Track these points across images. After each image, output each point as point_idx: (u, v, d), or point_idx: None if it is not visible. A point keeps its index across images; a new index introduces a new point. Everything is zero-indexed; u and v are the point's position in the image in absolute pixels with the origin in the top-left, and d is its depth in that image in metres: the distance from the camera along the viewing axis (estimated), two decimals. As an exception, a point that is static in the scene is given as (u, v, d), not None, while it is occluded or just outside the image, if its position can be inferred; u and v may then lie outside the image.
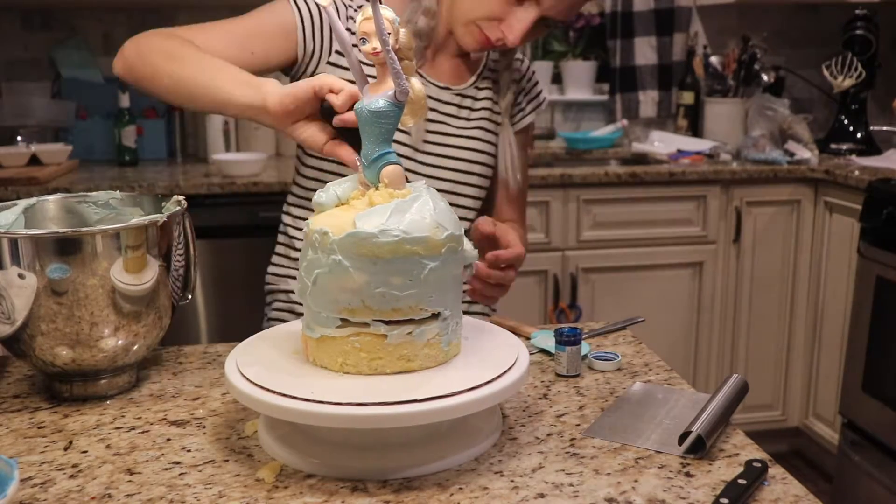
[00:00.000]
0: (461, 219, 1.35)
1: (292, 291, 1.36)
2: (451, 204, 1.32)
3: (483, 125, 1.37)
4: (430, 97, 1.31)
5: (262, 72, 1.22)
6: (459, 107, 1.35)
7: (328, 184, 0.86)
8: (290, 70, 1.31)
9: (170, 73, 1.13)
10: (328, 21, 1.22)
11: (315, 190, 0.88)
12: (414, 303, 0.78)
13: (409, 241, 0.76)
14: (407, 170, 1.28)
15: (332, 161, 1.27)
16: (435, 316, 0.80)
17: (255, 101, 1.01)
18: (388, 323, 0.78)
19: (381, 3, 0.80)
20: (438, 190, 1.30)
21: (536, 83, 1.46)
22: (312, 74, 1.28)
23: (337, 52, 1.28)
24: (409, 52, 0.85)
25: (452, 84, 1.35)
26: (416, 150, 1.31)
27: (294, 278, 1.36)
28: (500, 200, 1.43)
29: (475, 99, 1.37)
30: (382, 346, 0.78)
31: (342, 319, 0.78)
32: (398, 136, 1.27)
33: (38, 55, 2.92)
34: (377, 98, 0.83)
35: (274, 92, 0.99)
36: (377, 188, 0.83)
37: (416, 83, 0.85)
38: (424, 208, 0.79)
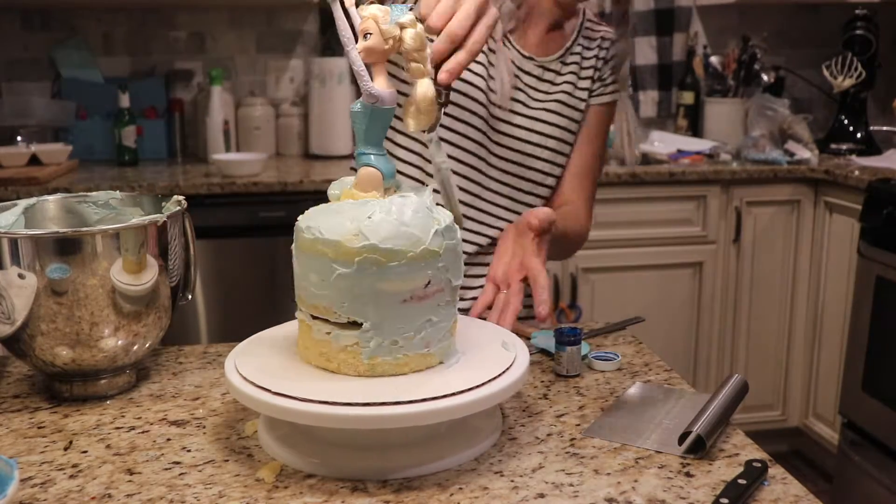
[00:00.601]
0: (528, 193, 1.32)
1: None
2: (519, 177, 1.30)
3: (562, 99, 1.33)
4: (513, 64, 1.28)
5: None
6: (540, 79, 1.32)
7: (341, 178, 0.87)
8: None
9: None
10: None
11: None
12: (327, 304, 0.78)
13: (322, 241, 0.77)
14: (477, 141, 1.26)
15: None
16: (354, 324, 0.78)
17: None
18: (313, 317, 0.80)
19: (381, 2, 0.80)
20: (507, 160, 1.29)
21: (621, 66, 1.41)
22: None
23: None
24: (419, 55, 0.83)
25: (537, 55, 1.32)
26: (492, 116, 1.28)
27: None
28: (566, 174, 1.36)
29: (558, 73, 1.33)
30: (309, 336, 0.81)
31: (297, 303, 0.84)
32: (475, 105, 1.25)
33: (38, 55, 2.92)
34: (358, 100, 0.83)
35: None
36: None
37: (421, 87, 0.83)
38: (370, 214, 0.77)
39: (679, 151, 2.89)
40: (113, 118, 2.81)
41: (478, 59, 1.21)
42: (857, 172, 2.55)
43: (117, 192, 1.08)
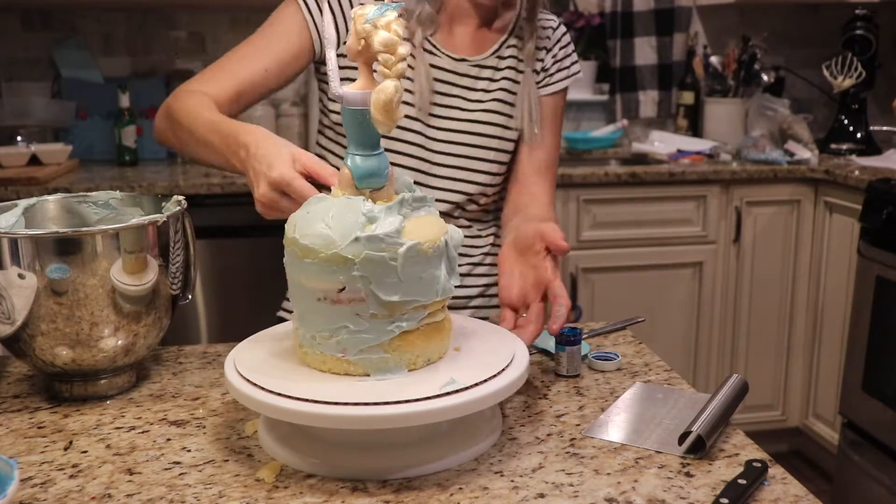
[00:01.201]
0: (472, 195, 1.32)
1: None
2: (465, 181, 1.30)
3: (502, 97, 1.32)
4: (444, 69, 1.28)
5: (286, 78, 1.27)
6: (477, 78, 1.31)
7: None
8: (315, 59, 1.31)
9: (190, 154, 1.20)
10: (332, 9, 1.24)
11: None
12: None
13: (290, 241, 0.81)
14: (416, 144, 1.27)
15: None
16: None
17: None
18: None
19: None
20: (449, 166, 1.29)
21: (572, 52, 1.39)
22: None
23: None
24: (382, 56, 0.80)
25: (470, 55, 1.30)
26: (426, 124, 1.28)
27: None
28: (526, 169, 1.35)
29: (496, 69, 1.32)
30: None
31: None
32: (408, 109, 1.25)
33: (38, 55, 2.92)
34: None
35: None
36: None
37: (376, 91, 0.79)
38: (309, 210, 0.81)
39: (679, 151, 2.89)
40: (113, 118, 2.81)
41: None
42: (857, 172, 2.55)
43: (117, 192, 1.08)
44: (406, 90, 1.25)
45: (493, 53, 1.32)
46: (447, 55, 1.29)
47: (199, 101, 1.18)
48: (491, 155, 1.32)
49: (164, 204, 1.03)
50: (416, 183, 1.25)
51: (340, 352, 0.79)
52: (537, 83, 1.35)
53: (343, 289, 0.77)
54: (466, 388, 0.76)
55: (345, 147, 1.28)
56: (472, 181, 1.31)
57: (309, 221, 0.79)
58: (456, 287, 0.84)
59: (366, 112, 0.80)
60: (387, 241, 0.76)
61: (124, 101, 2.77)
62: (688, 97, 3.18)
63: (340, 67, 1.28)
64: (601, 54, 3.25)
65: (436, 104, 1.28)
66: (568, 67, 1.39)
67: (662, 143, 3.04)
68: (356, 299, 0.77)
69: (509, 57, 1.33)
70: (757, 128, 2.87)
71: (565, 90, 1.39)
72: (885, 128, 3.06)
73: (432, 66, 1.27)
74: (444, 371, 0.81)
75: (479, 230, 1.37)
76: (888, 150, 2.91)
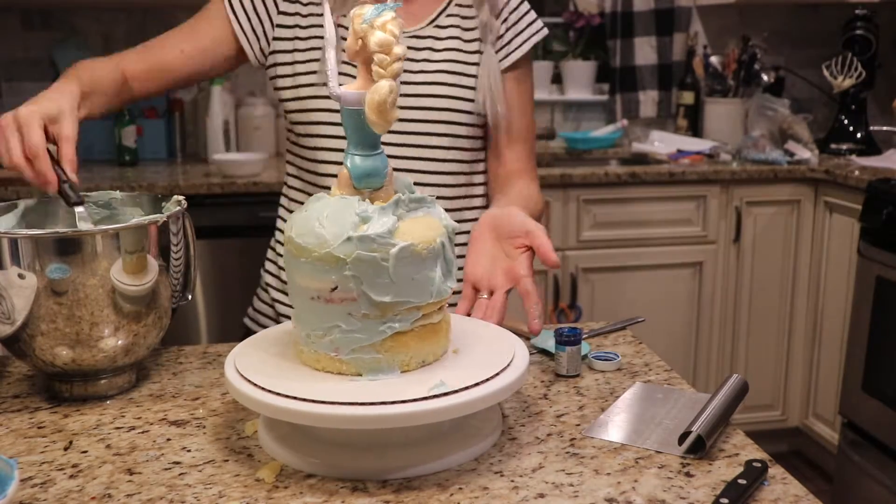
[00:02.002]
0: (443, 173, 1.28)
1: None
2: (426, 158, 1.26)
3: (448, 67, 1.28)
4: None
5: (209, 63, 1.31)
6: (417, 49, 1.27)
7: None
8: (265, 61, 1.33)
9: None
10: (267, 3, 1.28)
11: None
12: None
13: (287, 239, 0.81)
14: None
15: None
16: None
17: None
18: None
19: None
20: (405, 145, 1.25)
21: (526, 13, 1.34)
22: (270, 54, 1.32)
23: (278, 25, 1.30)
24: (378, 57, 0.79)
25: (406, 27, 1.26)
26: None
27: None
28: (502, 144, 1.33)
29: (436, 38, 1.29)
30: None
31: None
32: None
33: (38, 55, 2.92)
34: None
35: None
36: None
37: (378, 88, 0.79)
38: (307, 209, 0.82)
39: (679, 151, 2.89)
40: (113, 118, 2.81)
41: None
42: (857, 172, 2.55)
43: (117, 192, 1.08)
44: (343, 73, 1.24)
45: (431, 23, 1.29)
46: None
47: (100, 63, 1.25)
48: (441, 128, 1.28)
49: (164, 204, 1.03)
50: None
51: (333, 351, 0.79)
52: (497, 51, 1.31)
53: (335, 288, 0.77)
54: (466, 389, 0.76)
55: (305, 148, 1.30)
56: (427, 157, 1.28)
57: (305, 220, 0.79)
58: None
59: (362, 112, 0.80)
60: (378, 242, 0.76)
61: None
62: (688, 97, 3.18)
63: (344, 62, 1.28)
64: (601, 54, 3.26)
65: None
66: (524, 30, 1.34)
67: (662, 143, 3.04)
68: (348, 299, 0.77)
69: (450, 26, 1.30)
70: (757, 128, 2.87)
71: (529, 53, 1.35)
72: (885, 128, 3.06)
73: None
74: (445, 371, 0.81)
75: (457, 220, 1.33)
76: (888, 150, 2.91)
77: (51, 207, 1.05)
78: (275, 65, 1.32)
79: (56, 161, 0.99)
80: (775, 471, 0.79)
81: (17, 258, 0.87)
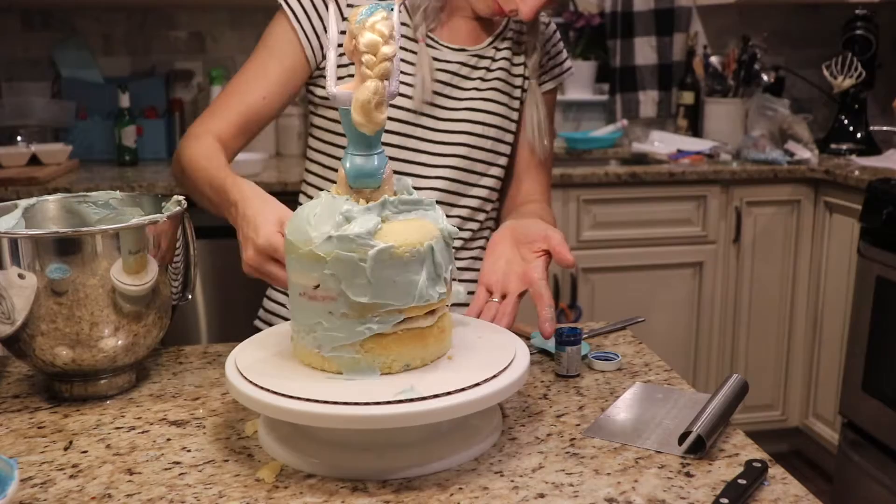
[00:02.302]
0: (473, 185, 1.31)
1: None
2: (463, 169, 1.29)
3: (497, 86, 1.33)
4: (443, 60, 1.28)
5: (289, 95, 1.29)
6: (474, 68, 1.31)
7: None
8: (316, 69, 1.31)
9: (199, 203, 1.21)
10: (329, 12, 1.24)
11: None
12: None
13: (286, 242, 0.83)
14: (415, 137, 1.27)
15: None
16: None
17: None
18: None
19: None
20: (450, 155, 1.28)
21: (562, 50, 1.42)
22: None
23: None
24: (366, 57, 0.80)
25: (468, 45, 1.31)
26: (420, 113, 1.27)
27: None
28: (523, 166, 1.38)
29: (493, 59, 1.33)
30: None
31: None
32: (400, 100, 1.25)
33: (38, 55, 2.92)
34: None
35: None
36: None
37: (362, 88, 0.79)
38: (307, 208, 0.82)
39: (679, 151, 2.89)
40: (113, 118, 2.81)
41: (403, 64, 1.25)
42: (857, 172, 2.55)
43: (117, 192, 1.08)
44: (406, 83, 1.26)
45: (490, 44, 1.33)
46: (446, 47, 1.30)
47: (201, 148, 1.19)
48: (488, 144, 1.32)
49: (164, 204, 1.03)
50: (414, 175, 1.27)
51: (316, 347, 0.80)
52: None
53: (317, 286, 0.78)
54: (466, 389, 0.76)
55: (338, 147, 1.30)
56: (472, 170, 1.31)
57: (298, 217, 0.82)
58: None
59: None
60: (357, 242, 0.76)
61: (124, 100, 2.77)
62: (688, 97, 3.18)
63: (342, 66, 1.29)
64: (601, 54, 3.25)
65: (437, 93, 1.28)
66: (560, 64, 1.41)
67: (662, 143, 3.04)
68: (328, 297, 0.78)
69: (505, 49, 1.34)
70: (757, 128, 2.87)
71: (556, 90, 1.42)
72: (885, 128, 3.06)
73: (434, 58, 1.28)
74: (445, 371, 0.81)
75: (473, 231, 1.36)
76: (888, 150, 2.91)
77: (51, 207, 1.05)
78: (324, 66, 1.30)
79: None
80: (775, 471, 0.79)
81: (17, 258, 0.87)
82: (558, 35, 1.41)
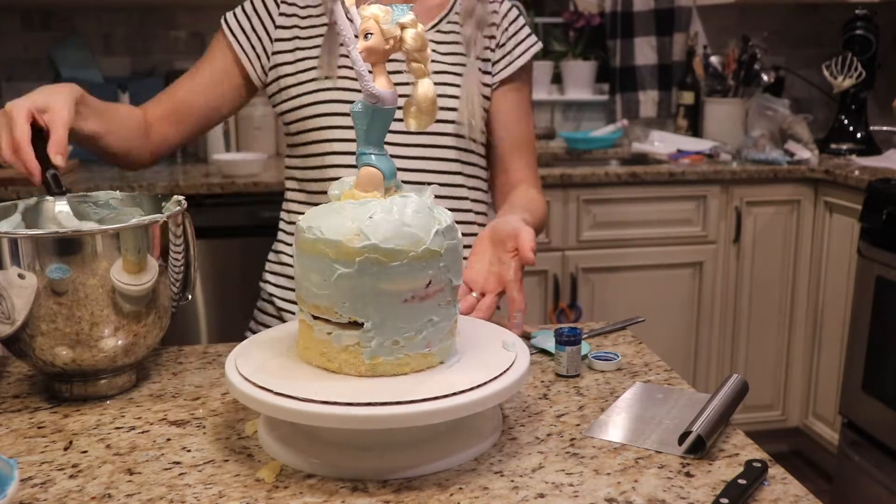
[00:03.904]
0: (443, 172, 1.30)
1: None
2: (427, 157, 1.28)
3: (451, 70, 1.31)
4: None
5: (225, 97, 1.38)
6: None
7: (342, 178, 0.87)
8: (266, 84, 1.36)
9: None
10: (261, 20, 1.33)
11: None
12: (328, 304, 0.78)
13: (323, 242, 0.77)
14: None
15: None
16: (354, 324, 0.78)
17: None
18: (314, 317, 0.80)
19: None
20: (411, 145, 1.27)
21: (523, 26, 1.39)
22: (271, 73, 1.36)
23: (277, 39, 1.34)
24: (420, 55, 0.82)
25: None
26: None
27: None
28: (505, 154, 1.37)
29: (438, 43, 1.31)
30: (310, 336, 0.81)
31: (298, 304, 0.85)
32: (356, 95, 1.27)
33: (38, 55, 2.92)
34: (359, 100, 0.83)
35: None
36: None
37: (422, 86, 0.82)
38: (371, 214, 0.78)
39: (679, 151, 2.89)
40: (113, 118, 2.81)
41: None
42: (857, 172, 2.55)
43: (117, 192, 1.08)
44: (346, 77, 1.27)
45: (433, 28, 1.32)
46: None
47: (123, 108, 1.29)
48: (449, 134, 1.31)
49: (164, 204, 1.03)
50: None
51: (426, 346, 0.80)
52: (496, 62, 1.35)
53: (430, 283, 0.79)
54: (467, 389, 0.76)
55: (312, 156, 1.31)
56: (434, 170, 1.30)
57: (378, 226, 0.76)
58: None
59: (393, 111, 0.82)
60: (454, 230, 0.82)
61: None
62: (688, 97, 3.18)
63: (339, 67, 1.29)
64: (601, 54, 3.26)
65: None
66: (525, 40, 1.39)
67: (662, 143, 3.04)
68: (439, 290, 0.80)
69: (451, 32, 1.33)
70: (757, 128, 2.87)
71: (529, 66, 1.40)
72: (885, 128, 3.06)
73: None
74: (446, 371, 0.81)
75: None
76: (888, 150, 2.91)
77: (50, 207, 1.05)
78: (277, 78, 1.34)
79: (44, 154, 1.00)
80: (775, 471, 0.79)
81: (17, 258, 0.87)
82: (516, 11, 1.39)
